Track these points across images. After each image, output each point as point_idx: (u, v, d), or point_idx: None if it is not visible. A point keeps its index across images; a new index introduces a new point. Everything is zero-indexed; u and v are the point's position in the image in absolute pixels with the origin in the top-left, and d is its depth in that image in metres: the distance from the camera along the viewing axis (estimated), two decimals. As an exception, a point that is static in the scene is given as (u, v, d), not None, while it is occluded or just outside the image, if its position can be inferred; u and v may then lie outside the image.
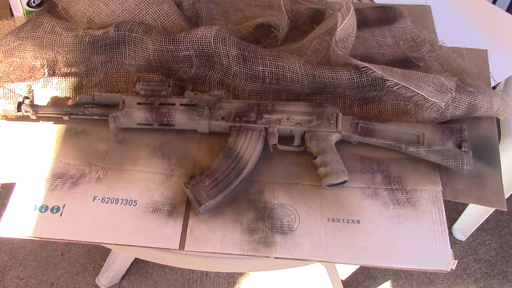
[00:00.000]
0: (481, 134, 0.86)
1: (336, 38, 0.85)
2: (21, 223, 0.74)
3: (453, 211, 1.53)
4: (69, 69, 0.91)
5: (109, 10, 0.94)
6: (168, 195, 0.78)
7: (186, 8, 1.01)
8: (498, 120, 0.89)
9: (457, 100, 0.81)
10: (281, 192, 0.78)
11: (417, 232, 0.74)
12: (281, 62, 0.85)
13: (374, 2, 1.15)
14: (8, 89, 0.87)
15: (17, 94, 0.86)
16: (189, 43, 0.85)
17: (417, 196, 0.77)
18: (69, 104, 0.86)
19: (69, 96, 0.89)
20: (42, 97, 0.89)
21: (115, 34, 0.88)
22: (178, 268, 1.43)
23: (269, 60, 0.85)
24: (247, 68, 0.85)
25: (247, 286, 1.42)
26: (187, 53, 0.86)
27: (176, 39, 0.86)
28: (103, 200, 0.77)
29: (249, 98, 0.88)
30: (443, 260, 0.71)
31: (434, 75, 0.83)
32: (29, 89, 0.86)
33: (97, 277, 1.40)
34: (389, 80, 0.81)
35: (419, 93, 0.80)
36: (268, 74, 0.85)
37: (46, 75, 0.91)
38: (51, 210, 0.75)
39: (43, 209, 0.76)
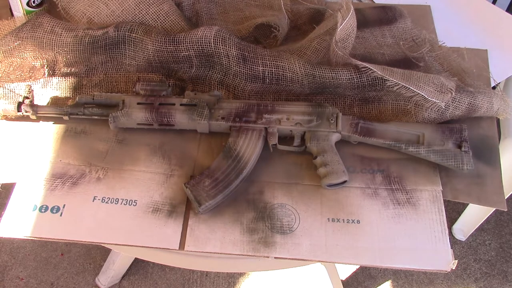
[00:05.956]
0: (481, 134, 0.86)
1: (336, 38, 0.85)
2: (21, 223, 0.74)
3: (453, 211, 1.53)
4: (69, 69, 0.91)
5: (109, 10, 0.94)
6: (168, 195, 0.78)
7: (186, 8, 1.01)
8: (498, 120, 0.89)
9: (457, 100, 0.81)
10: (281, 192, 0.78)
11: (417, 232, 0.74)
12: (281, 62, 0.85)
13: (374, 2, 1.15)
14: (8, 89, 0.87)
15: (17, 94, 0.86)
16: (189, 43, 0.85)
17: (417, 196, 0.77)
18: (69, 104, 0.86)
19: (69, 96, 0.89)
20: (42, 97, 0.89)
21: (115, 34, 0.88)
22: (178, 268, 1.43)
23: (269, 60, 0.85)
24: (247, 68, 0.85)
25: (247, 286, 1.42)
26: (187, 53, 0.86)
27: (176, 39, 0.86)
28: (103, 200, 0.77)
29: (249, 98, 0.88)
30: (443, 260, 0.71)
31: (434, 75, 0.83)
32: (29, 89, 0.86)
33: (97, 277, 1.40)
34: (389, 80, 0.81)
35: (419, 93, 0.80)
36: (268, 74, 0.85)
37: (46, 75, 0.91)
38: (51, 210, 0.75)
39: (43, 209, 0.76)
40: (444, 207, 0.76)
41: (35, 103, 0.85)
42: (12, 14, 1.01)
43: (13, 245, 1.48)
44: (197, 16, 1.02)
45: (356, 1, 1.15)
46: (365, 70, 0.82)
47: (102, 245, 0.80)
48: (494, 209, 1.15)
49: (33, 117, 0.85)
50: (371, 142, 0.82)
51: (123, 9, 0.93)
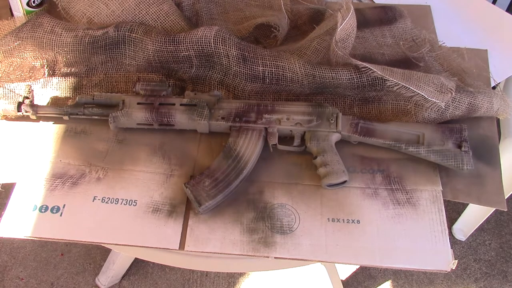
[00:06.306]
0: (481, 134, 0.86)
1: (336, 38, 0.85)
2: (21, 223, 0.74)
3: (453, 211, 1.53)
4: (69, 69, 0.91)
5: (109, 10, 0.94)
6: (168, 195, 0.78)
7: (186, 8, 1.00)
8: (498, 120, 0.89)
9: (457, 100, 0.81)
10: (281, 192, 0.78)
11: (417, 232, 0.74)
12: (281, 62, 0.85)
13: (374, 2, 1.15)
14: (8, 89, 0.87)
15: (17, 94, 0.86)
16: (189, 43, 0.85)
17: (417, 196, 0.77)
18: (69, 104, 0.86)
19: (69, 96, 0.89)
20: (42, 97, 0.89)
21: (115, 34, 0.88)
22: (178, 268, 1.43)
23: (269, 60, 0.85)
24: (247, 68, 0.85)
25: (247, 286, 1.42)
26: (187, 53, 0.86)
27: (176, 39, 0.86)
28: (103, 200, 0.77)
29: (249, 98, 0.88)
30: (443, 260, 0.71)
31: (434, 75, 0.83)
32: (29, 89, 0.86)
33: (97, 277, 1.40)
34: (389, 80, 0.81)
35: (419, 93, 0.80)
36: (268, 74, 0.85)
37: (46, 75, 0.91)
38: (51, 210, 0.75)
39: (43, 209, 0.76)
40: (444, 207, 0.76)
41: (35, 103, 0.85)
42: (12, 14, 1.01)
43: (13, 245, 1.48)
44: (197, 16, 1.02)
45: (356, 1, 1.15)
46: (365, 70, 0.82)
47: (102, 245, 0.80)
48: (494, 209, 1.15)
49: (33, 117, 0.85)
50: (371, 142, 0.82)
51: (123, 9, 0.93)
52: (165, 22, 0.93)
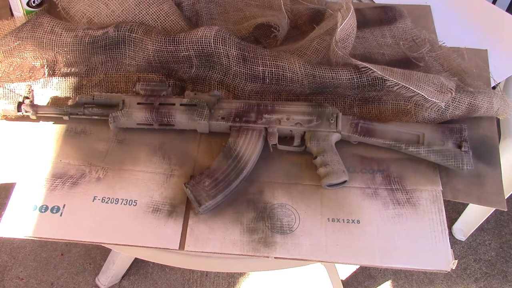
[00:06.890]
0: (481, 134, 0.86)
1: (336, 38, 0.85)
2: (21, 223, 0.74)
3: (453, 211, 1.53)
4: (69, 69, 0.91)
5: (109, 10, 0.94)
6: (168, 195, 0.78)
7: (186, 8, 1.01)
8: (498, 120, 0.89)
9: (457, 100, 0.81)
10: (281, 192, 0.78)
11: (417, 232, 0.74)
12: (281, 62, 0.85)
13: (374, 2, 1.15)
14: (8, 89, 0.87)
15: (17, 94, 0.87)
16: (189, 43, 0.85)
17: (417, 196, 0.77)
18: (69, 104, 0.86)
19: (69, 96, 0.89)
20: (42, 97, 0.89)
21: (115, 34, 0.88)
22: (178, 268, 1.43)
23: (269, 60, 0.85)
24: (247, 68, 0.85)
25: (247, 286, 1.42)
26: (187, 53, 0.86)
27: (176, 39, 0.86)
28: (103, 200, 0.77)
29: (249, 98, 0.88)
30: (443, 260, 0.71)
31: (434, 75, 0.83)
32: (29, 89, 0.86)
33: (97, 277, 1.40)
34: (389, 80, 0.81)
35: (419, 93, 0.80)
36: (268, 74, 0.85)
37: (46, 75, 0.91)
38: (51, 210, 0.75)
39: (43, 209, 0.76)
40: (444, 207, 0.76)
41: (35, 103, 0.85)
42: (12, 14, 1.01)
43: (13, 245, 1.48)
44: (197, 16, 1.02)
45: (356, 1, 1.15)
46: (365, 70, 0.82)
47: (102, 245, 0.80)
48: (494, 209, 1.15)
49: (33, 117, 0.85)
50: (371, 142, 0.82)
51: (123, 9, 0.93)
52: (165, 22, 0.93)
